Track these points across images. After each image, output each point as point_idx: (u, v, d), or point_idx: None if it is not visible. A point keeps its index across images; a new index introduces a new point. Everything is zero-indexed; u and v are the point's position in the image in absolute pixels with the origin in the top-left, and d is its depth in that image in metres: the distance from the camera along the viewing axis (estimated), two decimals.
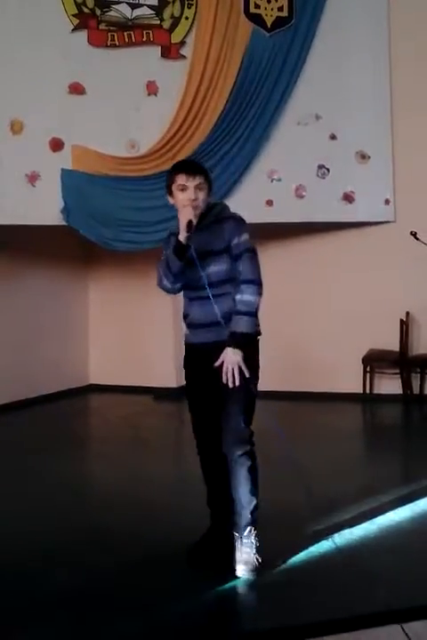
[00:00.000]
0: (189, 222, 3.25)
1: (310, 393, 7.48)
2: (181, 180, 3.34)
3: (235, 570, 3.28)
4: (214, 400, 3.32)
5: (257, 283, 3.32)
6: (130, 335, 8.09)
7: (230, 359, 3.22)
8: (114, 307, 8.20)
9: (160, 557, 3.52)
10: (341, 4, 7.25)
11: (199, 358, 3.39)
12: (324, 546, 3.58)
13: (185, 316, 3.48)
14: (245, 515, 3.29)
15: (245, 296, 3.28)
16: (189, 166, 3.45)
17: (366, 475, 5.06)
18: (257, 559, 3.28)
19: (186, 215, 3.28)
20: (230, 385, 3.22)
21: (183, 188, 3.33)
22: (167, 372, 7.73)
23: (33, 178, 6.52)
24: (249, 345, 3.30)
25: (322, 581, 3.27)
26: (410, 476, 5.22)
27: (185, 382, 3.54)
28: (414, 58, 7.26)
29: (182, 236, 3.28)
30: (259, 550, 3.30)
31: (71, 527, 3.98)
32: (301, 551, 3.50)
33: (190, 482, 3.31)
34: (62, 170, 6.58)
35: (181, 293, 3.51)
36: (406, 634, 2.72)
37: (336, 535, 3.70)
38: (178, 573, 3.32)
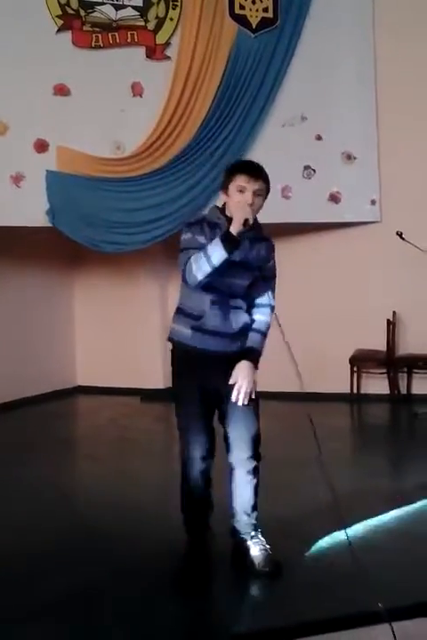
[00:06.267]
0: (246, 220, 3.14)
1: (298, 393, 7.46)
2: (240, 180, 3.22)
3: (252, 568, 3.32)
4: (212, 405, 3.36)
5: (273, 308, 3.39)
6: (117, 336, 8.06)
7: (250, 379, 3.26)
8: (100, 308, 8.17)
9: (154, 559, 3.51)
10: (326, 4, 7.27)
11: (204, 364, 3.27)
12: (315, 547, 3.59)
13: (195, 317, 3.26)
14: (254, 516, 3.38)
15: (267, 318, 3.36)
16: (252, 168, 3.28)
17: (354, 474, 5.07)
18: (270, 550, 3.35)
19: (244, 212, 3.14)
20: (241, 403, 3.24)
21: (242, 190, 3.21)
22: (155, 373, 7.71)
23: (17, 179, 6.48)
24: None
25: (315, 581, 3.27)
26: (398, 476, 5.24)
27: (178, 382, 3.38)
28: (399, 58, 7.27)
29: (235, 229, 3.12)
30: None
31: (61, 530, 3.95)
32: (292, 552, 3.50)
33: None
34: (47, 171, 6.55)
35: (178, 290, 3.39)
36: (393, 633, 2.72)
37: (326, 535, 3.70)
38: (172, 575, 3.30)
